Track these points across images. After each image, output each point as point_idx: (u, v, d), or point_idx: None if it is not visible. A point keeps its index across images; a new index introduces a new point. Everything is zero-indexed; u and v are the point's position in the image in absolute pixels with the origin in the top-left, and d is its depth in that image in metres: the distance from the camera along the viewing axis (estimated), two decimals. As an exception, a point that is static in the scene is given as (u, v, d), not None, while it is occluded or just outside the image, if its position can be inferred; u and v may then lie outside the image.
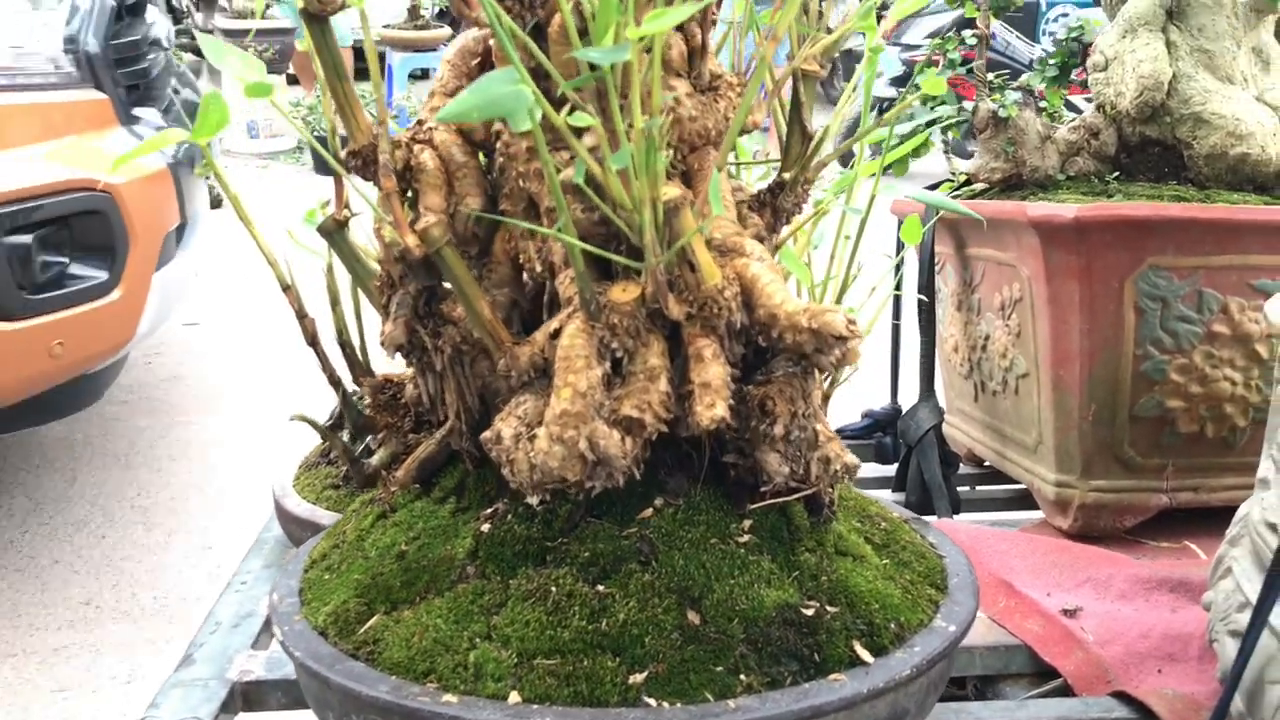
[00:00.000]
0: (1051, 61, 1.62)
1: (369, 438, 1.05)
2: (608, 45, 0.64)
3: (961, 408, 1.77)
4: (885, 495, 1.73)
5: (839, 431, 1.94)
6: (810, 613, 0.86)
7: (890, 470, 1.80)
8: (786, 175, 0.90)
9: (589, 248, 0.75)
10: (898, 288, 2.12)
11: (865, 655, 0.85)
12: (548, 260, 0.86)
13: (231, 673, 1.13)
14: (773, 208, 0.90)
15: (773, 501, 0.92)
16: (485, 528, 0.91)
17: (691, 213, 0.76)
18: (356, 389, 1.02)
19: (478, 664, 0.82)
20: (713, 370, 0.79)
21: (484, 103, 0.59)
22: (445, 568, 0.90)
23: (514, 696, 0.80)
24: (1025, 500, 1.66)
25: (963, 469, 1.81)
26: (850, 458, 0.93)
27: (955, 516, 1.63)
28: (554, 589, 0.85)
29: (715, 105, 0.85)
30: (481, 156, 0.90)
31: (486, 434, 0.82)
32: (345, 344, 1.00)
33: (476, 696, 0.80)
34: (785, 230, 1.05)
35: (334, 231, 0.93)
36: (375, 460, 1.04)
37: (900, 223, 1.93)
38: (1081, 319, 1.39)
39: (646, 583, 0.85)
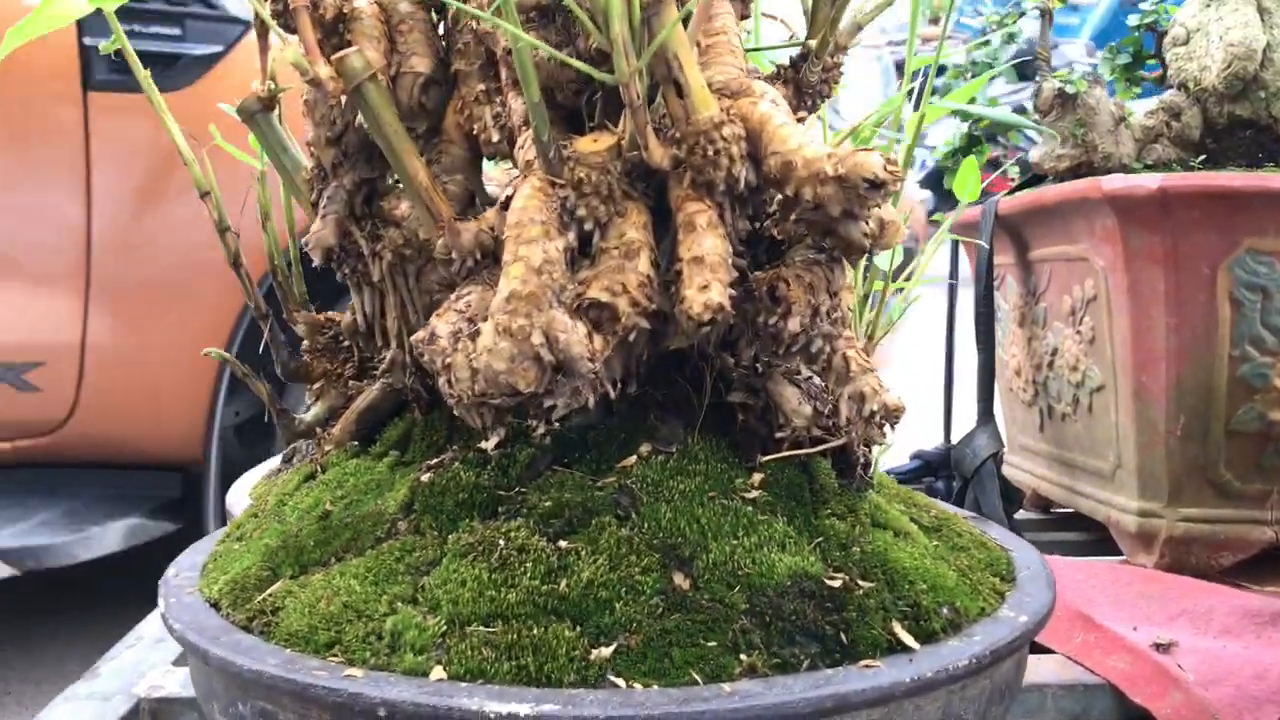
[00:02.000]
0: (1123, 48, 1.44)
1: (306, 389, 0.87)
2: None
3: (1024, 443, 1.55)
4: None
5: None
6: (836, 584, 0.66)
7: (943, 516, 1.58)
8: (812, 42, 0.72)
9: (545, 48, 0.57)
10: (950, 328, 1.92)
11: (908, 639, 0.65)
12: (507, 127, 0.68)
13: (139, 688, 0.93)
14: (795, 84, 0.72)
15: (791, 453, 0.73)
16: (425, 478, 0.72)
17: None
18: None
19: (395, 632, 0.62)
20: (708, 242, 0.60)
21: None
22: (371, 524, 0.71)
23: (437, 671, 0.60)
24: (1100, 546, 1.44)
25: (1026, 515, 1.59)
26: (892, 397, 0.73)
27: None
28: (502, 543, 0.66)
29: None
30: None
31: (419, 334, 0.64)
32: (277, 269, 0.82)
33: (389, 672, 0.60)
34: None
35: (256, 112, 0.76)
36: (310, 416, 0.85)
37: (955, 245, 1.75)
38: (1167, 314, 1.19)
39: (622, 538, 0.66)
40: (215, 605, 0.71)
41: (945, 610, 0.68)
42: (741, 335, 0.70)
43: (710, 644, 0.61)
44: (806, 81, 0.72)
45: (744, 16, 0.74)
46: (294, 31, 0.71)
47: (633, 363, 0.70)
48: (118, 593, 2.43)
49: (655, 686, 0.59)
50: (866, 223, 0.60)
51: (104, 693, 0.93)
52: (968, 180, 1.00)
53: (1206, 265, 1.17)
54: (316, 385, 0.86)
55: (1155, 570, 1.21)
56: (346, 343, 0.85)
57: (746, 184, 0.61)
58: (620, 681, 0.59)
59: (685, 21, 0.62)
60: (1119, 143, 1.33)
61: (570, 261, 0.62)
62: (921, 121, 0.92)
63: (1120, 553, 1.32)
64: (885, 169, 0.56)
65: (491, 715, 0.56)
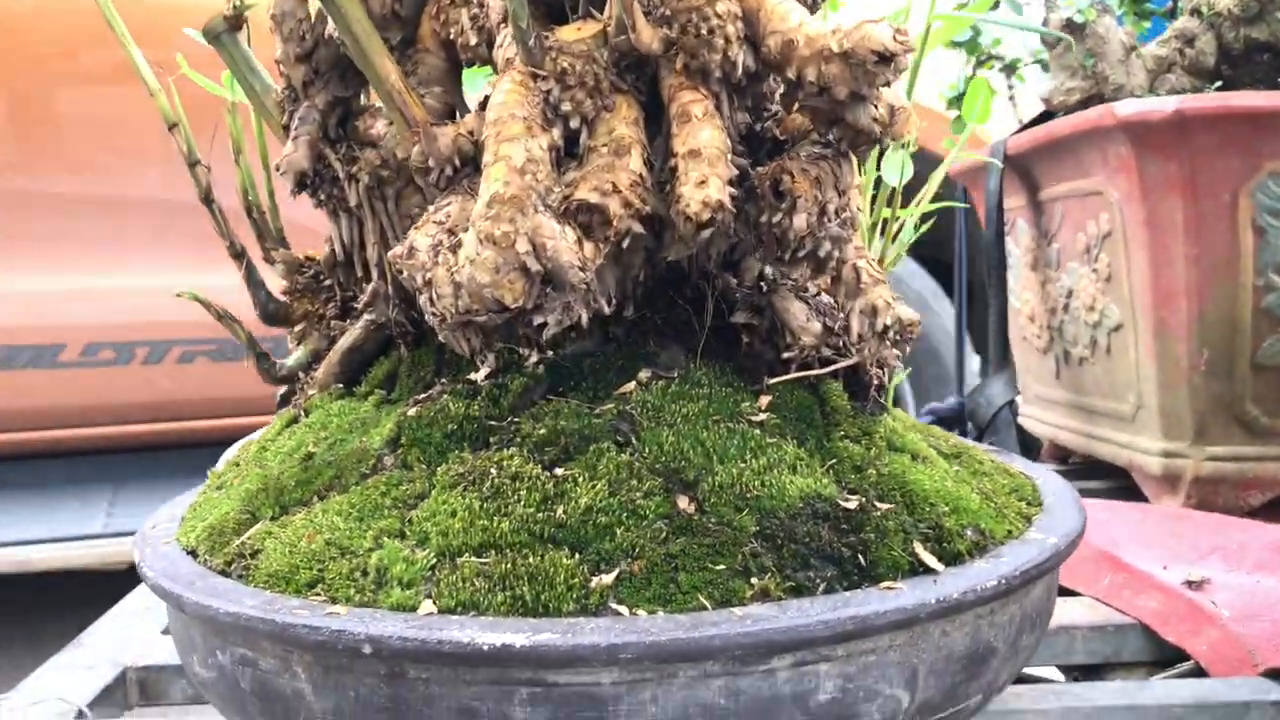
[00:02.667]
0: (1131, -20, 1.39)
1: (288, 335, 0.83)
2: None
3: (1040, 392, 1.51)
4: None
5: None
6: (852, 506, 0.61)
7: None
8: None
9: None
10: (960, 276, 1.88)
11: (932, 561, 0.60)
12: (485, 28, 0.64)
13: (125, 656, 0.89)
14: (797, -17, 0.68)
15: (800, 375, 0.68)
16: (412, 411, 0.67)
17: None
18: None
19: (381, 567, 0.58)
20: (705, 134, 0.56)
21: None
22: (355, 460, 0.67)
23: (427, 605, 0.56)
24: (1122, 494, 1.39)
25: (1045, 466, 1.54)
26: (906, 310, 0.69)
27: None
28: (494, 472, 0.61)
29: None
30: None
31: (396, 250, 0.59)
32: (252, 205, 0.78)
33: (375, 608, 0.56)
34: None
35: (223, 34, 0.72)
36: (292, 361, 0.81)
37: (963, 189, 1.70)
38: (1187, 244, 1.15)
39: (622, 463, 0.61)
40: (192, 553, 0.67)
41: (969, 532, 0.64)
42: (744, 254, 0.66)
43: (719, 568, 0.57)
44: (810, -21, 0.68)
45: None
46: (257, -62, 0.66)
47: (629, 283, 0.66)
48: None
49: (661, 612, 0.55)
50: (876, 106, 0.56)
51: (88, 662, 0.89)
52: (977, 101, 0.96)
53: (1227, 192, 1.13)
54: (298, 328, 0.81)
55: (1183, 508, 1.16)
56: (328, 281, 0.80)
57: (745, 70, 0.57)
58: (623, 609, 0.55)
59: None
60: (1130, 73, 1.28)
61: (556, 162, 0.58)
62: (928, 35, 0.87)
63: (1144, 499, 1.28)
64: (895, 39, 0.52)
65: (485, 647, 0.52)
